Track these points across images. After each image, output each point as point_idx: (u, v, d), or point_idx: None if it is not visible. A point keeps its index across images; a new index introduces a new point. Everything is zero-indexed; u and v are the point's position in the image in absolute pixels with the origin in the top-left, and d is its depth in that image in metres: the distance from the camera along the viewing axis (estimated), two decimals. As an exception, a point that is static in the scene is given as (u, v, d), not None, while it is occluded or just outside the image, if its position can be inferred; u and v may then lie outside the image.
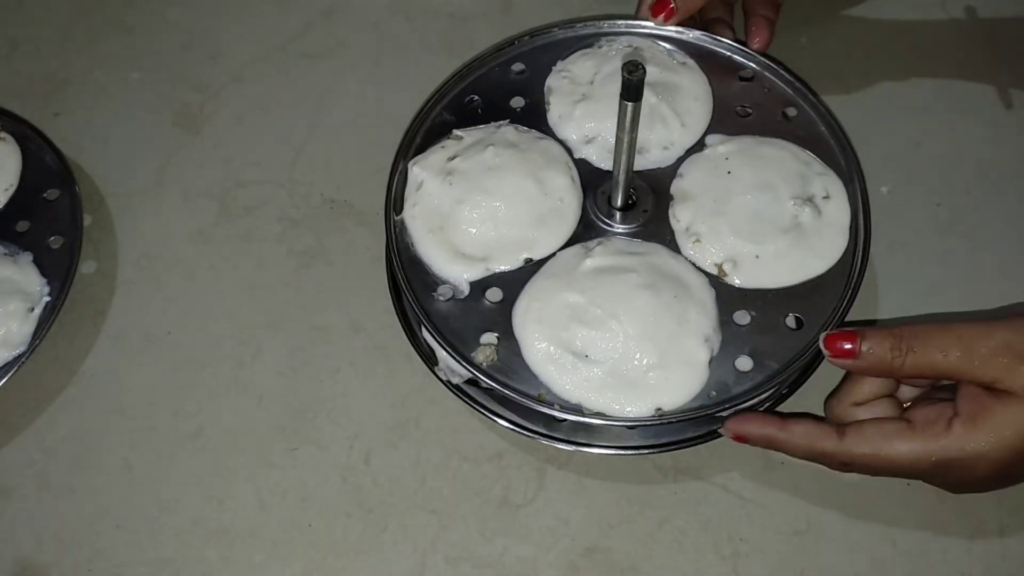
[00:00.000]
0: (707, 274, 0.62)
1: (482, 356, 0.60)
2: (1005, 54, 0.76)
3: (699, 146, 0.67)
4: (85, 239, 0.67)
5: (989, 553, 0.58)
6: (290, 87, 0.76)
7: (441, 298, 0.62)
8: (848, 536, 0.59)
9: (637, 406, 0.58)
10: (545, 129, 0.68)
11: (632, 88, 0.56)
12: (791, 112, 0.68)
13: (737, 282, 0.62)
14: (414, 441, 0.62)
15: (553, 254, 0.63)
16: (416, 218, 0.64)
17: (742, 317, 0.61)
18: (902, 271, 0.67)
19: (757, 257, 0.62)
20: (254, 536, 0.59)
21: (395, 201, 0.65)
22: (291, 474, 0.61)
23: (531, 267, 0.63)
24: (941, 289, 0.66)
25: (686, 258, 0.63)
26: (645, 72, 0.56)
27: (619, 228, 0.64)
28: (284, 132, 0.74)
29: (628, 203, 0.64)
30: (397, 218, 0.64)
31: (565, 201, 0.64)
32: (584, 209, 0.65)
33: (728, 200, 0.64)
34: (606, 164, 0.66)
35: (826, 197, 0.64)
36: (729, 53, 0.71)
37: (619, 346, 0.59)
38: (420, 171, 0.65)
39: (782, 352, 0.60)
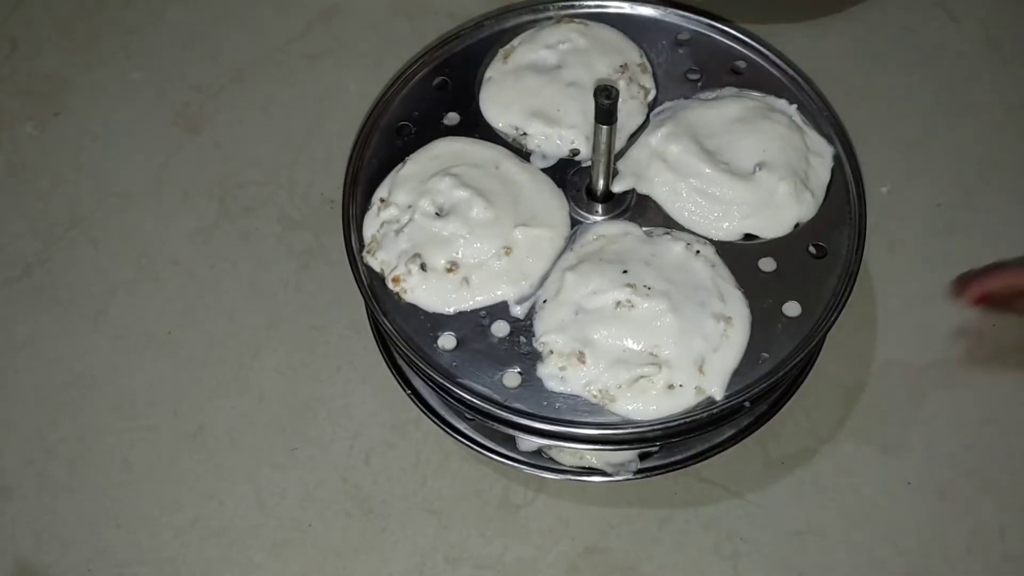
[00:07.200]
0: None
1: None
2: (1005, 54, 0.76)
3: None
4: (85, 238, 0.67)
5: (989, 553, 0.58)
6: (290, 87, 0.76)
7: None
8: (848, 536, 0.59)
9: None
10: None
11: (605, 112, 0.55)
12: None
13: None
14: (414, 441, 0.62)
15: None
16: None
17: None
18: (902, 271, 0.67)
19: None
20: (254, 536, 0.60)
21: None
22: (291, 474, 0.61)
23: None
24: (941, 289, 0.66)
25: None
26: (618, 95, 0.55)
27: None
28: (284, 132, 0.74)
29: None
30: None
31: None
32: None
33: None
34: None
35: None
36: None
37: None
38: None
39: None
